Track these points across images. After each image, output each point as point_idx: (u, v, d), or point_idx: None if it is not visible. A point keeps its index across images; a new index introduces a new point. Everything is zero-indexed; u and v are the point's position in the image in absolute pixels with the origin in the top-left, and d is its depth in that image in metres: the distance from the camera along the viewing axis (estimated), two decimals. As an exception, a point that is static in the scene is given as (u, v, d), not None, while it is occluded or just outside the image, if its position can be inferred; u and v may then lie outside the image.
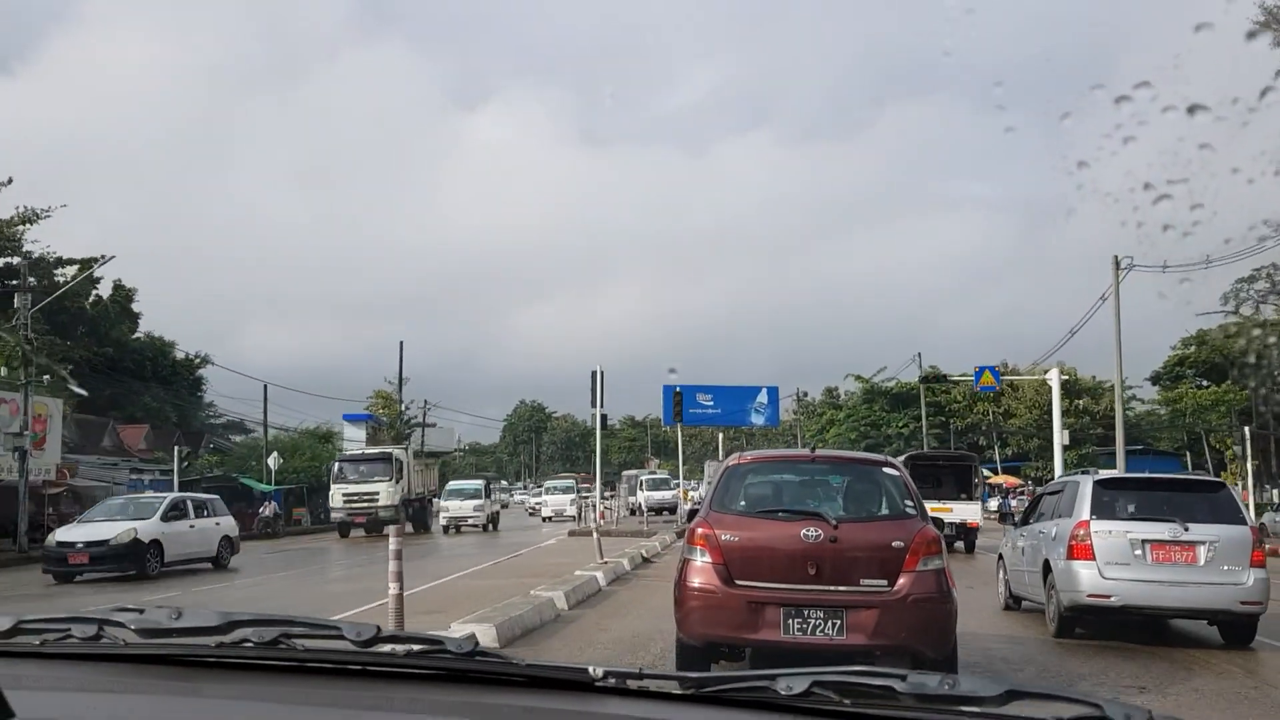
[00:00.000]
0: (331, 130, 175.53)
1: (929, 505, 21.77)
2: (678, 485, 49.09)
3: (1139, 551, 9.41)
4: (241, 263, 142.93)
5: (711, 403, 55.92)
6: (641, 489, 45.57)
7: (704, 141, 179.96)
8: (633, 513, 43.13)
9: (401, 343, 51.67)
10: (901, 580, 6.46)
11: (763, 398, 56.43)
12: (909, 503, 6.95)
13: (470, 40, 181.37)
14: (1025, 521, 11.96)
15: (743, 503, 7.20)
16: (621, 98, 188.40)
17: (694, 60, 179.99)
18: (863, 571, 6.51)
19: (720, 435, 68.03)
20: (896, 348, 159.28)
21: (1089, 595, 9.42)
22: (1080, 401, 55.77)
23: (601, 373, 27.12)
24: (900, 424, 64.90)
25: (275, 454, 36.76)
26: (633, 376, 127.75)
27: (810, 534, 6.54)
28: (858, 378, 69.26)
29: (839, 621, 6.40)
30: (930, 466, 24.17)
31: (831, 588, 6.47)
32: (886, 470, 7.35)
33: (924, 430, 59.68)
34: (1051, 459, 56.77)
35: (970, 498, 22.90)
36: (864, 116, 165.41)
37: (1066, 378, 34.04)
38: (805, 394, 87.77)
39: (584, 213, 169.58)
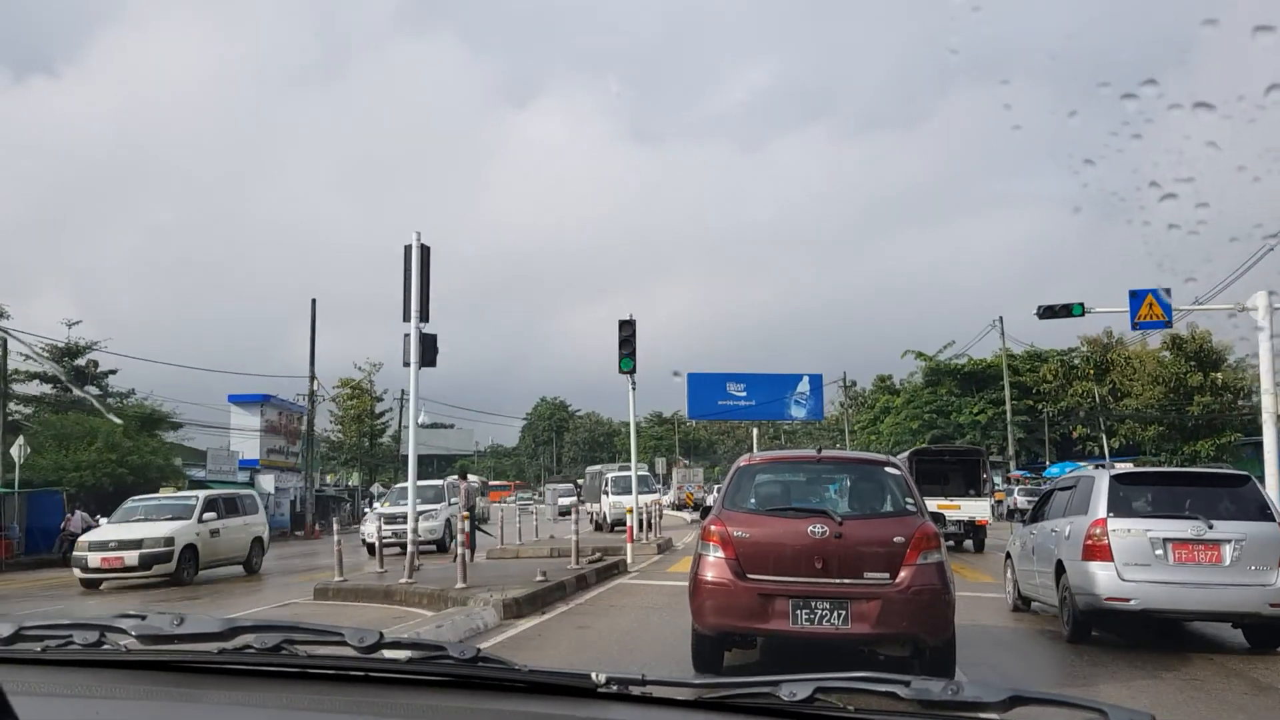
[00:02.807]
0: (378, 128, 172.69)
1: (936, 502, 18.45)
2: (660, 488, 36.63)
3: (1159, 551, 8.92)
4: (288, 263, 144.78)
5: (744, 393, 48.97)
6: (607, 492, 31.74)
7: (759, 137, 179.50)
8: (598, 527, 29.98)
9: (314, 300, 38.77)
10: (903, 573, 6.90)
11: (804, 386, 49.27)
12: (910, 500, 7.43)
13: (521, 35, 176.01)
14: (1035, 519, 11.45)
15: (753, 501, 7.65)
16: (675, 93, 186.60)
17: (750, 54, 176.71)
18: (866, 565, 6.95)
19: (755, 431, 54.39)
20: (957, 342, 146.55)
21: (1107, 598, 8.93)
22: (1218, 375, 41.56)
23: (422, 248, 13.53)
24: (974, 410, 51.29)
25: (20, 440, 24.45)
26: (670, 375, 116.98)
27: (817, 530, 7.01)
28: (919, 355, 55.46)
29: (844, 612, 6.84)
30: (936, 462, 23.78)
31: (837, 580, 6.92)
32: (888, 470, 7.85)
33: (1008, 416, 45.60)
34: (1178, 449, 42.71)
35: (979, 494, 22.25)
36: (925, 106, 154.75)
37: (1257, 310, 19.51)
38: (854, 383, 73.77)
39: (633, 211, 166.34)
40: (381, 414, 65.59)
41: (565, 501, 47.50)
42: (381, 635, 1.55)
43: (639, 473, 35.27)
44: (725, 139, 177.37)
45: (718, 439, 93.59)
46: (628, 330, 19.89)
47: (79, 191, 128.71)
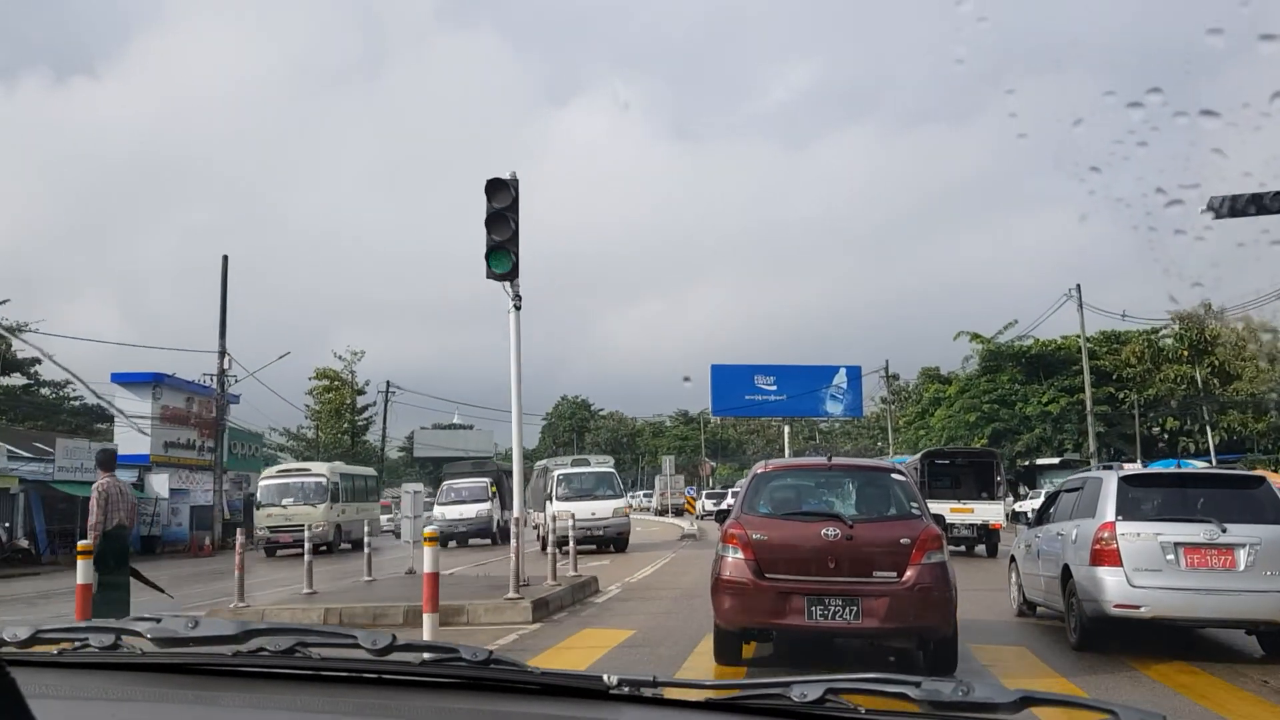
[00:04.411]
0: (415, 127, 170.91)
1: (948, 506, 20.12)
2: (645, 491, 29.35)
3: (1171, 556, 8.63)
4: (326, 266, 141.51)
5: (774, 386, 44.02)
6: (553, 498, 23.30)
7: (803, 134, 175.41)
8: (544, 547, 21.92)
9: (225, 258, 31.55)
10: (909, 572, 7.44)
11: (840, 379, 44.74)
12: (914, 504, 8.03)
13: (562, 32, 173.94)
14: (1040, 521, 11.22)
15: (769, 506, 8.22)
16: (718, 92, 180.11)
17: (794, 52, 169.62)
18: (875, 565, 7.52)
19: (786, 429, 49.55)
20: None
21: (1115, 605, 8.67)
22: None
23: None
24: (1044, 399, 42.81)
25: None
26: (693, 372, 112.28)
27: (829, 532, 7.56)
28: (975, 336, 47.19)
29: (855, 608, 7.38)
30: (948, 465, 23.06)
31: (848, 579, 7.48)
32: (894, 476, 8.51)
33: (1088, 405, 37.34)
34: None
35: (992, 497, 21.43)
36: (975, 101, 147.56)
37: None
38: (896, 376, 65.56)
39: (674, 210, 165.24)
40: (364, 408, 58.76)
41: (457, 514, 27.75)
42: (394, 638, 1.57)
43: (600, 469, 25.89)
44: (768, 137, 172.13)
45: (747, 439, 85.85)
46: (503, 200, 11.05)
47: (117, 192, 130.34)
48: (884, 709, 1.43)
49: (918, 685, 1.42)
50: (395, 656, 1.54)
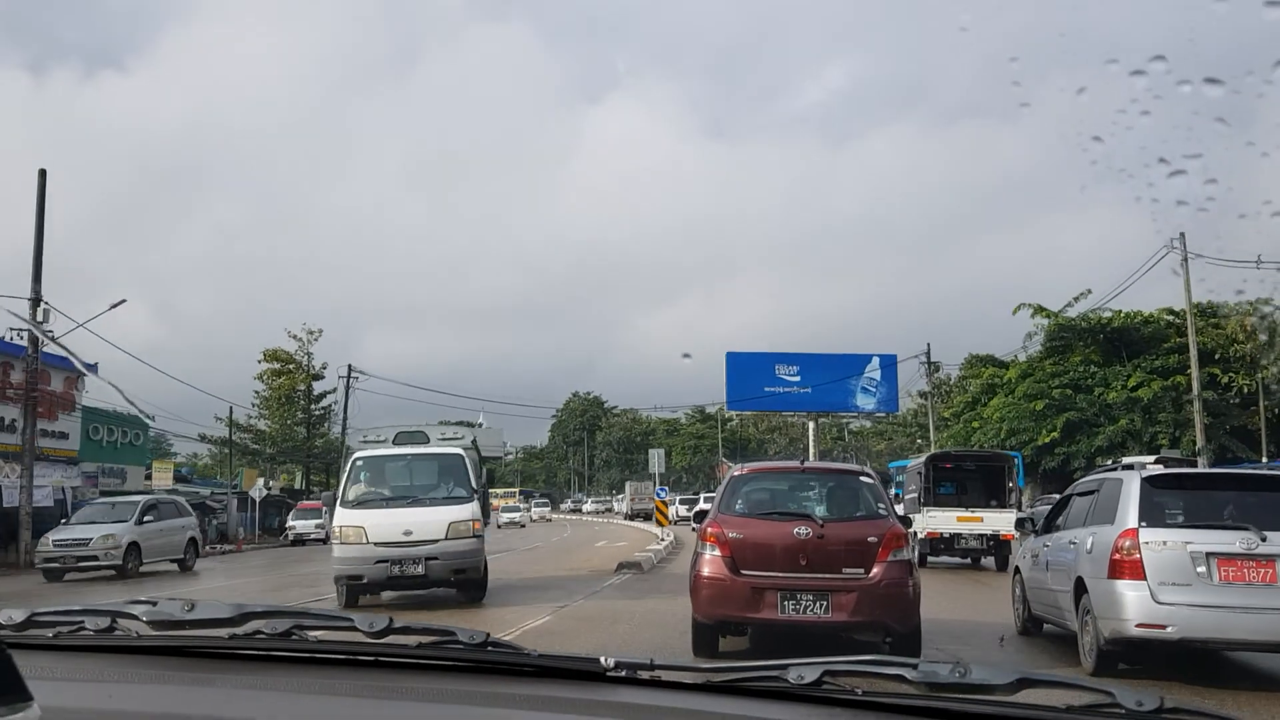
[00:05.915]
0: (447, 124, 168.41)
1: (954, 513, 19.79)
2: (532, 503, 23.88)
3: (1202, 568, 7.70)
4: (355, 265, 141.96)
5: (797, 377, 38.69)
6: (341, 499, 12.81)
7: (844, 132, 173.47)
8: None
9: (43, 171, 23.59)
10: (875, 569, 8.02)
11: (873, 369, 39.56)
12: (881, 505, 8.69)
13: (597, 26, 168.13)
14: (1049, 528, 10.31)
15: (745, 506, 8.85)
16: (756, 89, 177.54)
17: (836, 47, 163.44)
18: (844, 562, 8.08)
19: (811, 427, 42.70)
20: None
21: (1138, 625, 7.76)
22: None
23: None
24: (1129, 382, 34.12)
25: None
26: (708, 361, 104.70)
27: (801, 531, 8.14)
28: (1039, 309, 38.82)
29: (825, 602, 7.94)
30: (954, 469, 21.97)
31: (819, 575, 8.04)
32: (863, 479, 9.13)
33: (1195, 387, 28.97)
34: None
35: (1003, 505, 20.43)
36: (1021, 94, 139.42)
37: None
38: (937, 366, 56.63)
39: (709, 209, 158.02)
40: (321, 395, 50.98)
41: None
42: (391, 620, 1.58)
43: (440, 449, 13.78)
44: (808, 135, 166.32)
45: (768, 437, 77.52)
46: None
47: (146, 188, 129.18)
48: (881, 690, 1.45)
49: (914, 667, 1.44)
50: (392, 639, 1.57)
